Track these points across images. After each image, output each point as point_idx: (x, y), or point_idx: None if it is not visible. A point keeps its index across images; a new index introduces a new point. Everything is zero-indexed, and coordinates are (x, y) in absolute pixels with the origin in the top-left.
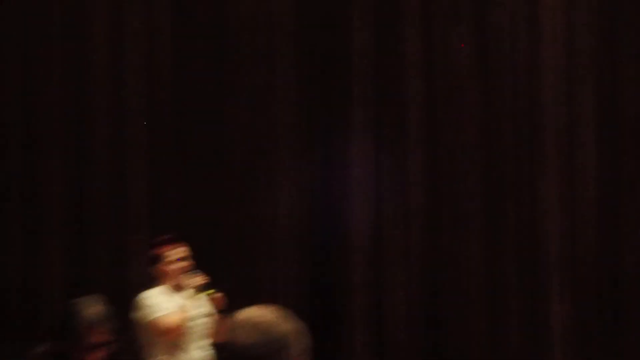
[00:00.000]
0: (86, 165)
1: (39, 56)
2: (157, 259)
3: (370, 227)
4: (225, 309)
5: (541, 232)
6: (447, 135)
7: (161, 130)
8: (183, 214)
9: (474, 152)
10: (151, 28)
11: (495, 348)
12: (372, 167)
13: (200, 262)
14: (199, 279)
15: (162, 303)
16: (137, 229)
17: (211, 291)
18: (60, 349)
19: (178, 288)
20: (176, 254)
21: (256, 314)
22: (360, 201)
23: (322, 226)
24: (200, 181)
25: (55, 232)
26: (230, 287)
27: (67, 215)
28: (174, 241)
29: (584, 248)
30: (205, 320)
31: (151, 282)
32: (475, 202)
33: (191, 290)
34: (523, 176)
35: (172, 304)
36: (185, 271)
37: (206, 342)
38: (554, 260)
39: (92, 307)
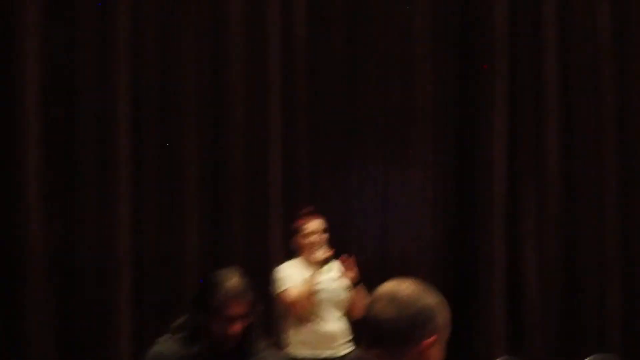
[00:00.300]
0: (224, 137)
1: (178, 34)
2: (295, 231)
3: (506, 201)
4: (358, 282)
5: None
6: (582, 114)
7: (295, 107)
8: (316, 188)
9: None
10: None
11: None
12: (506, 142)
13: (333, 236)
14: (331, 252)
15: (292, 275)
16: (274, 202)
17: (342, 264)
18: (199, 321)
19: (312, 261)
20: (312, 227)
21: (397, 287)
22: (498, 177)
23: (457, 202)
24: (332, 156)
25: (194, 205)
26: (365, 260)
27: (204, 190)
28: (312, 214)
29: None
30: (339, 292)
31: (289, 254)
32: (611, 186)
33: (324, 263)
34: None
35: (303, 276)
36: (320, 244)
37: (341, 315)
38: None
39: (231, 279)
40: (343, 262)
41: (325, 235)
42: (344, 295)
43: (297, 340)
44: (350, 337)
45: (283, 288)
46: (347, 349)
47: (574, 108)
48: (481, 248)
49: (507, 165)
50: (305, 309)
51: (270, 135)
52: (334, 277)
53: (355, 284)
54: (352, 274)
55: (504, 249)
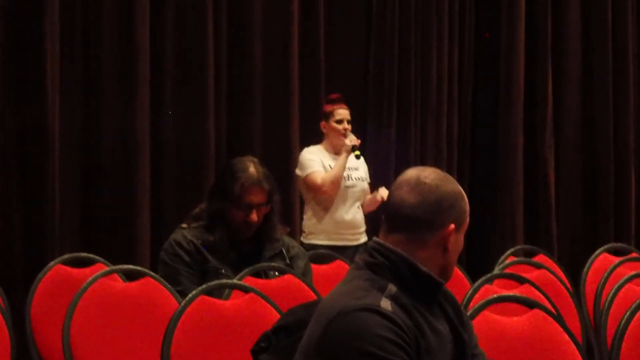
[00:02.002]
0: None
1: None
2: (324, 115)
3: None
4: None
5: None
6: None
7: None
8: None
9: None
10: None
11: None
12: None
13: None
14: (355, 140)
15: (320, 160)
16: (292, 92)
17: (357, 153)
18: (218, 209)
19: (338, 148)
20: (343, 113)
21: (420, 173)
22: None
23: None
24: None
25: (212, 94)
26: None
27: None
28: (340, 100)
29: None
30: (361, 183)
31: (315, 140)
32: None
33: (353, 150)
34: None
35: (328, 161)
36: (347, 132)
37: (359, 205)
38: None
39: (250, 168)
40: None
41: (350, 126)
42: (364, 187)
43: (316, 228)
44: (365, 228)
45: (310, 171)
46: (363, 238)
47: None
48: (501, 135)
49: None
50: (331, 194)
51: (290, 22)
52: (357, 167)
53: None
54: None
55: (522, 139)
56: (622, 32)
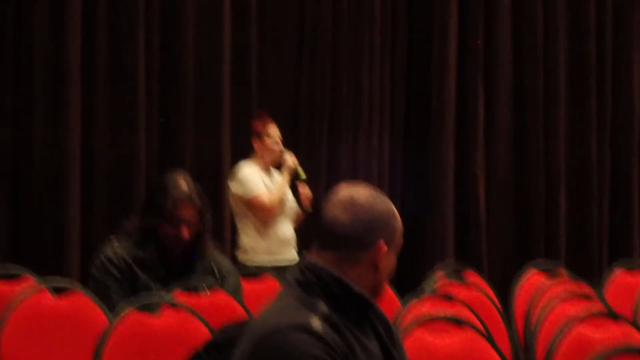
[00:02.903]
0: (175, 41)
1: None
2: (255, 133)
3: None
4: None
5: None
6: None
7: None
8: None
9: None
10: None
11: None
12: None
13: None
14: (295, 160)
15: (259, 180)
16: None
17: (302, 176)
18: (149, 225)
19: (268, 165)
20: (275, 131)
21: (353, 191)
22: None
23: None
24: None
25: (144, 107)
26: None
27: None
28: (267, 117)
29: None
30: (292, 203)
31: (245, 155)
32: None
33: (290, 169)
34: None
35: (265, 180)
36: (281, 150)
37: (291, 221)
38: None
39: (181, 183)
40: (303, 193)
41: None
42: (295, 203)
43: (258, 245)
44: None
45: (257, 192)
46: (296, 254)
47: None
48: (432, 153)
49: (458, 70)
50: (277, 214)
51: (222, 36)
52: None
53: (303, 209)
54: (307, 202)
55: (453, 156)
56: (553, 49)
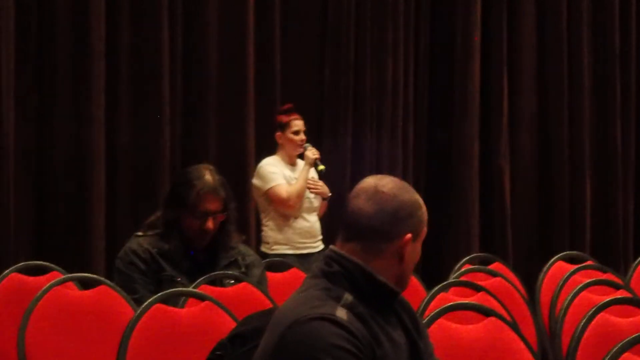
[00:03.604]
0: (199, 31)
1: None
2: (279, 126)
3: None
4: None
5: None
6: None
7: None
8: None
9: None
10: None
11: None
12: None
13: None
14: (317, 153)
15: (281, 172)
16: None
17: (322, 167)
18: (173, 218)
19: (293, 159)
20: (299, 124)
21: (378, 182)
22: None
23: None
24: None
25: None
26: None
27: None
28: (293, 111)
29: None
30: (315, 195)
31: (270, 148)
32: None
33: (311, 163)
34: None
35: (287, 173)
36: (305, 142)
37: (316, 214)
38: None
39: (205, 176)
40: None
41: (305, 137)
42: (318, 199)
43: (280, 238)
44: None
45: (274, 184)
46: (321, 245)
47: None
48: (457, 143)
49: (482, 61)
50: (296, 207)
51: (245, 30)
52: (315, 177)
53: (323, 198)
54: (322, 192)
55: (478, 148)
56: (577, 39)
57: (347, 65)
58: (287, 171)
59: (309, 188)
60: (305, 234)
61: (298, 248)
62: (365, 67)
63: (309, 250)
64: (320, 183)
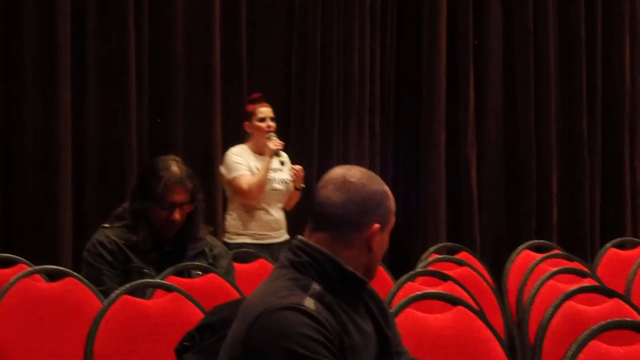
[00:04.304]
0: (165, 26)
1: None
2: (246, 116)
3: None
4: (299, 188)
5: None
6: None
7: None
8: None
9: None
10: None
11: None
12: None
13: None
14: (282, 144)
15: (247, 162)
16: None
17: (283, 158)
18: (140, 209)
19: (262, 148)
20: (266, 112)
21: (346, 172)
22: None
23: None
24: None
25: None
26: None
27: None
28: (261, 100)
29: None
30: (283, 184)
31: (237, 138)
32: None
33: (272, 154)
34: None
35: (253, 163)
36: (270, 132)
37: (281, 205)
38: None
39: (172, 167)
40: (294, 169)
41: (274, 124)
42: (288, 188)
43: (241, 228)
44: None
45: (237, 174)
46: (285, 235)
47: None
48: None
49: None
50: (257, 198)
51: (212, 20)
52: (281, 168)
53: (296, 188)
54: (299, 179)
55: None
56: (543, 27)
57: (314, 55)
58: (253, 161)
59: (293, 179)
60: (267, 226)
61: (258, 238)
62: (332, 57)
63: (269, 240)
64: (299, 167)
